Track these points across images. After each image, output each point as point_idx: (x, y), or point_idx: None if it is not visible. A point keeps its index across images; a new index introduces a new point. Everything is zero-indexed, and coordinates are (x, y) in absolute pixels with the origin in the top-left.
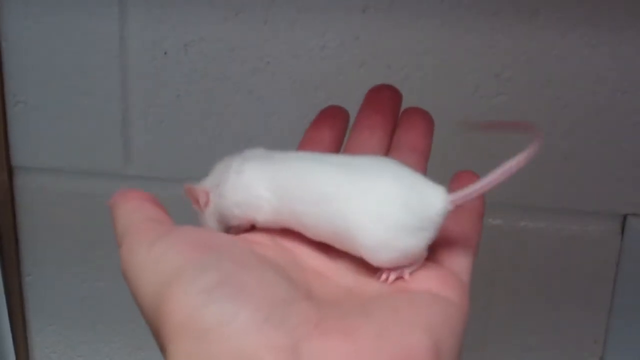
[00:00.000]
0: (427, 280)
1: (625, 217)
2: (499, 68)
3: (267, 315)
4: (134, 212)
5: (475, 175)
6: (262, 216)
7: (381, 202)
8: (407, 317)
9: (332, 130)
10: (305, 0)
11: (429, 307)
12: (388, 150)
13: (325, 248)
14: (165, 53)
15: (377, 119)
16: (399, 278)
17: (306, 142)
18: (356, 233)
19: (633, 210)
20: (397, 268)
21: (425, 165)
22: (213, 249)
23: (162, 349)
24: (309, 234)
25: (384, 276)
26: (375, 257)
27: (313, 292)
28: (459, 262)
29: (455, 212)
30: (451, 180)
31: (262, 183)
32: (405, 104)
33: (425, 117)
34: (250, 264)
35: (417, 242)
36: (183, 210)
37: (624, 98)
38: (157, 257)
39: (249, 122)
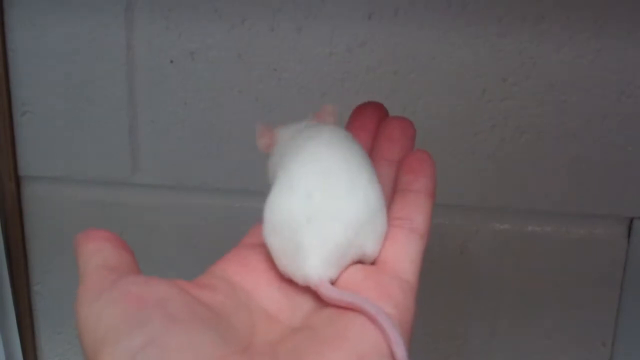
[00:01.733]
0: (367, 293)
1: (631, 221)
2: (506, 73)
3: None
4: (91, 256)
5: (422, 152)
6: None
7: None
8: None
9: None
10: (312, 7)
11: (362, 327)
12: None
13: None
14: (171, 61)
15: (361, 137)
16: None
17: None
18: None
19: (639, 213)
20: None
21: (431, 205)
22: (148, 304)
23: None
24: None
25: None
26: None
27: (255, 337)
28: (402, 255)
29: (400, 195)
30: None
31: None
32: (411, 110)
33: (401, 126)
34: (182, 319)
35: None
36: (189, 218)
37: (629, 102)
38: (97, 313)
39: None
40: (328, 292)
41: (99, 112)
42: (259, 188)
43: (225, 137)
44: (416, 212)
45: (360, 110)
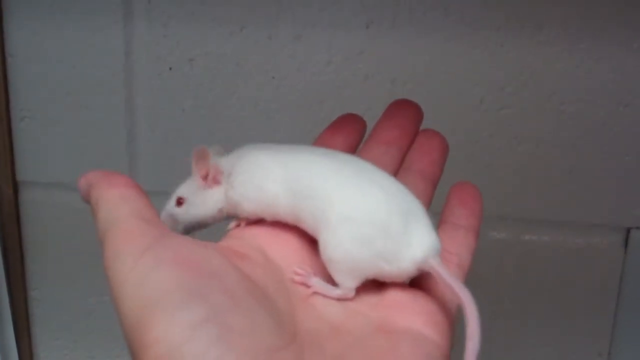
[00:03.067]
0: (413, 316)
1: (628, 230)
2: (504, 82)
3: (253, 357)
4: (120, 204)
5: (474, 188)
6: (272, 211)
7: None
8: None
9: (346, 139)
10: (310, 16)
11: (410, 353)
12: (399, 167)
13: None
14: (170, 68)
15: (395, 134)
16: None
17: (318, 145)
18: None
19: (636, 223)
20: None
21: (432, 192)
22: (204, 274)
23: None
24: (303, 225)
25: (300, 279)
26: (328, 253)
27: (297, 327)
28: (443, 296)
29: (451, 230)
30: (450, 191)
31: (274, 179)
32: None
33: (441, 144)
34: (240, 297)
35: (370, 266)
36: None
37: (627, 111)
38: (144, 273)
39: (255, 136)
40: (441, 266)
41: (97, 118)
42: None
43: (223, 144)
44: (464, 249)
45: (398, 107)
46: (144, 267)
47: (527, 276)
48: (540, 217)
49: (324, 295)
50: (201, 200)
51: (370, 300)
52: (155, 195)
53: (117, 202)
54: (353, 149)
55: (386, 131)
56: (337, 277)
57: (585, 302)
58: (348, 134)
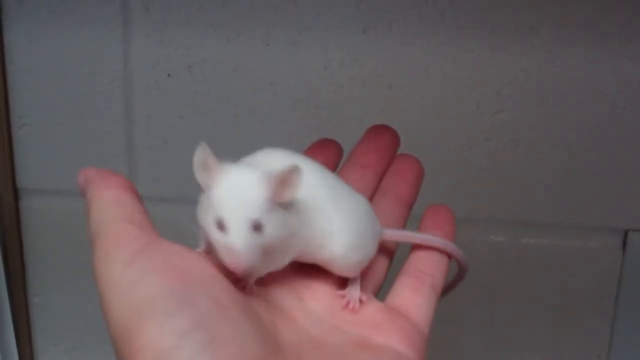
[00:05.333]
0: (390, 335)
1: (626, 233)
2: (500, 85)
3: None
4: (113, 207)
5: (448, 210)
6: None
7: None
8: None
9: (323, 162)
10: (306, 21)
11: None
12: (375, 190)
13: (293, 285)
14: (168, 75)
15: (372, 159)
16: (362, 302)
17: None
18: (334, 236)
19: (634, 225)
20: (354, 292)
21: (407, 215)
22: (192, 282)
23: None
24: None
25: (351, 304)
26: (345, 259)
27: (280, 339)
28: (423, 310)
29: (425, 251)
30: (424, 214)
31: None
32: (406, 123)
33: (417, 168)
34: (226, 306)
35: (371, 251)
36: (186, 231)
37: (623, 114)
38: (133, 279)
39: (252, 142)
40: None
41: (96, 125)
42: None
43: (221, 150)
44: (438, 270)
45: (376, 132)
46: (133, 273)
47: (525, 279)
48: (538, 219)
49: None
50: (282, 221)
51: (349, 319)
52: (154, 201)
53: (110, 204)
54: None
55: (364, 155)
56: (354, 273)
57: (583, 305)
58: (325, 158)
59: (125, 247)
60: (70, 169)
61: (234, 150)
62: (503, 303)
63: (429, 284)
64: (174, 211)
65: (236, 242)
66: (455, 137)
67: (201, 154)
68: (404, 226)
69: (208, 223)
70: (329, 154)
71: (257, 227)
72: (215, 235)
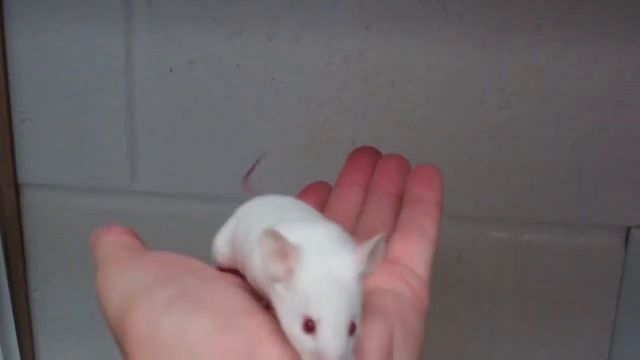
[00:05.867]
0: (388, 279)
1: (629, 230)
2: (503, 83)
3: (225, 322)
4: (114, 242)
5: (431, 167)
6: None
7: None
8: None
9: (314, 200)
10: (309, 17)
11: (381, 299)
12: (363, 201)
13: None
14: (170, 70)
15: (356, 176)
16: None
17: None
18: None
19: (636, 222)
20: None
21: (398, 204)
22: (178, 267)
23: (123, 354)
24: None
25: None
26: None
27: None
28: (414, 255)
29: (411, 205)
30: (409, 177)
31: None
32: (409, 120)
33: (397, 162)
34: (212, 279)
35: None
36: (188, 226)
37: (627, 112)
38: (127, 276)
39: (254, 138)
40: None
41: (98, 120)
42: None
43: (223, 146)
44: (427, 220)
45: (357, 153)
46: (126, 273)
47: (528, 276)
48: (540, 217)
49: None
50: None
51: None
52: (155, 197)
53: (110, 242)
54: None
55: (348, 175)
56: None
57: (585, 302)
58: (315, 197)
59: (120, 260)
60: (72, 163)
61: (235, 146)
62: (505, 299)
63: (417, 233)
64: (175, 207)
65: (334, 352)
66: (458, 134)
67: (275, 241)
68: (395, 216)
69: (286, 316)
70: (319, 194)
71: (352, 328)
72: (297, 334)
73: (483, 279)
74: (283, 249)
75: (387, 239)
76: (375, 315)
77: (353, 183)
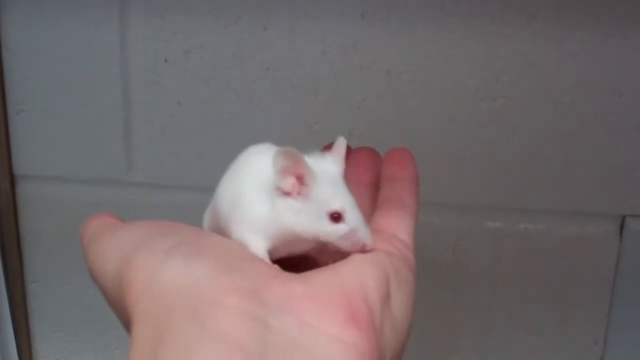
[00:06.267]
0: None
1: (623, 219)
2: (498, 71)
3: (227, 265)
4: (99, 223)
5: (403, 149)
6: None
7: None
8: (358, 262)
9: None
10: (305, 7)
11: (373, 254)
12: None
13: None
14: (165, 60)
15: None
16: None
17: None
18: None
19: (631, 211)
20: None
21: (372, 193)
22: (171, 225)
23: (128, 325)
24: None
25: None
26: None
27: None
28: (396, 224)
29: (388, 183)
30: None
31: None
32: (404, 109)
33: (367, 153)
34: (207, 233)
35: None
36: (184, 217)
37: (622, 101)
38: (120, 238)
39: (250, 128)
40: None
41: (93, 111)
42: None
43: (219, 136)
44: (405, 194)
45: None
46: (119, 236)
47: (523, 265)
48: (535, 206)
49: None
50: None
51: None
52: (151, 187)
53: (96, 225)
54: None
55: None
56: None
57: (580, 291)
58: None
59: (109, 230)
60: (68, 155)
61: (231, 136)
62: (501, 288)
63: (398, 206)
64: (171, 197)
65: (362, 222)
66: (454, 123)
67: (289, 157)
68: (371, 205)
69: (308, 221)
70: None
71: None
72: (329, 227)
73: (479, 268)
74: (296, 167)
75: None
76: (370, 261)
77: None
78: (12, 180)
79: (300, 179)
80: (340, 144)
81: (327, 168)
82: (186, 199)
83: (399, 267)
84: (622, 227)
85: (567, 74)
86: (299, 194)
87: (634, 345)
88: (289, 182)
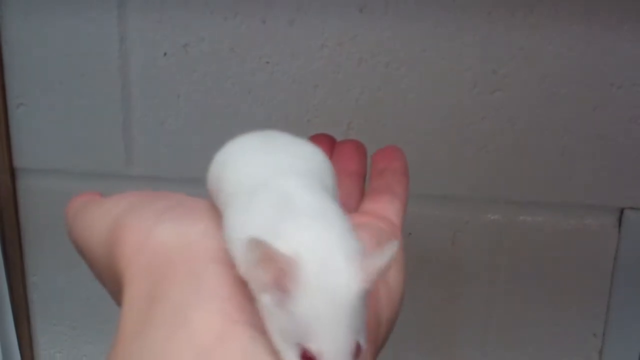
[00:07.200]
0: (367, 219)
1: (622, 211)
2: (496, 64)
3: (220, 227)
4: (84, 199)
5: (393, 147)
6: None
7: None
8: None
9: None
10: (303, 0)
11: (363, 226)
12: None
13: None
14: (165, 54)
15: None
16: None
17: None
18: None
19: (630, 204)
20: None
21: (360, 182)
22: (158, 193)
23: (118, 294)
24: None
25: None
26: None
27: None
28: (385, 207)
29: (378, 174)
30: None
31: None
32: (403, 102)
33: (353, 145)
34: (197, 199)
35: None
36: None
37: (619, 93)
38: (108, 207)
39: (249, 121)
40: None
41: (93, 104)
42: None
43: (218, 129)
44: (395, 183)
45: (314, 139)
46: (107, 205)
47: (522, 257)
48: (534, 198)
49: None
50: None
51: None
52: (150, 180)
53: (81, 201)
54: None
55: None
56: None
57: (579, 283)
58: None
59: (96, 202)
60: (68, 148)
61: (230, 130)
62: (499, 281)
63: (388, 193)
64: (171, 190)
65: None
66: (452, 116)
67: (260, 249)
68: (360, 194)
69: (277, 337)
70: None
71: (358, 351)
72: None
73: (477, 261)
74: (274, 261)
75: (355, 210)
76: (362, 227)
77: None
78: (12, 173)
79: (282, 276)
80: (390, 250)
81: (336, 282)
82: (185, 192)
83: (389, 238)
84: (620, 219)
85: (564, 66)
86: (279, 289)
87: (632, 336)
88: (268, 281)
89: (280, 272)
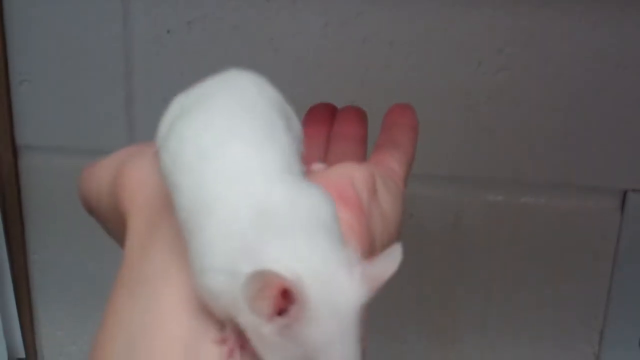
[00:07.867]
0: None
1: (625, 193)
2: (501, 44)
3: None
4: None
5: (404, 105)
6: None
7: None
8: (345, 164)
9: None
10: None
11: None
12: (326, 151)
13: None
14: (168, 31)
15: (319, 127)
16: None
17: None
18: None
19: (633, 186)
20: None
21: (364, 149)
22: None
23: (122, 228)
24: None
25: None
26: None
27: None
28: (388, 158)
29: (386, 129)
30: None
31: None
32: (407, 81)
33: (357, 111)
34: None
35: None
36: None
37: (624, 74)
38: (110, 160)
39: None
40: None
41: (95, 82)
42: None
43: None
44: (402, 137)
45: (313, 109)
46: (111, 155)
47: (523, 239)
48: (537, 179)
49: None
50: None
51: None
52: None
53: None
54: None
55: (310, 128)
56: None
57: (581, 265)
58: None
59: (99, 162)
60: (70, 125)
61: None
62: (500, 262)
63: (392, 146)
64: None
65: None
66: (456, 96)
67: (263, 278)
68: (363, 157)
69: None
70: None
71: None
72: None
73: (479, 241)
74: (277, 288)
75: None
76: (357, 164)
77: (315, 134)
78: (15, 150)
79: (286, 299)
80: (395, 253)
81: (342, 299)
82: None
83: (386, 174)
84: (623, 201)
85: (569, 47)
86: (281, 314)
87: (634, 320)
88: (269, 309)
89: (281, 298)
